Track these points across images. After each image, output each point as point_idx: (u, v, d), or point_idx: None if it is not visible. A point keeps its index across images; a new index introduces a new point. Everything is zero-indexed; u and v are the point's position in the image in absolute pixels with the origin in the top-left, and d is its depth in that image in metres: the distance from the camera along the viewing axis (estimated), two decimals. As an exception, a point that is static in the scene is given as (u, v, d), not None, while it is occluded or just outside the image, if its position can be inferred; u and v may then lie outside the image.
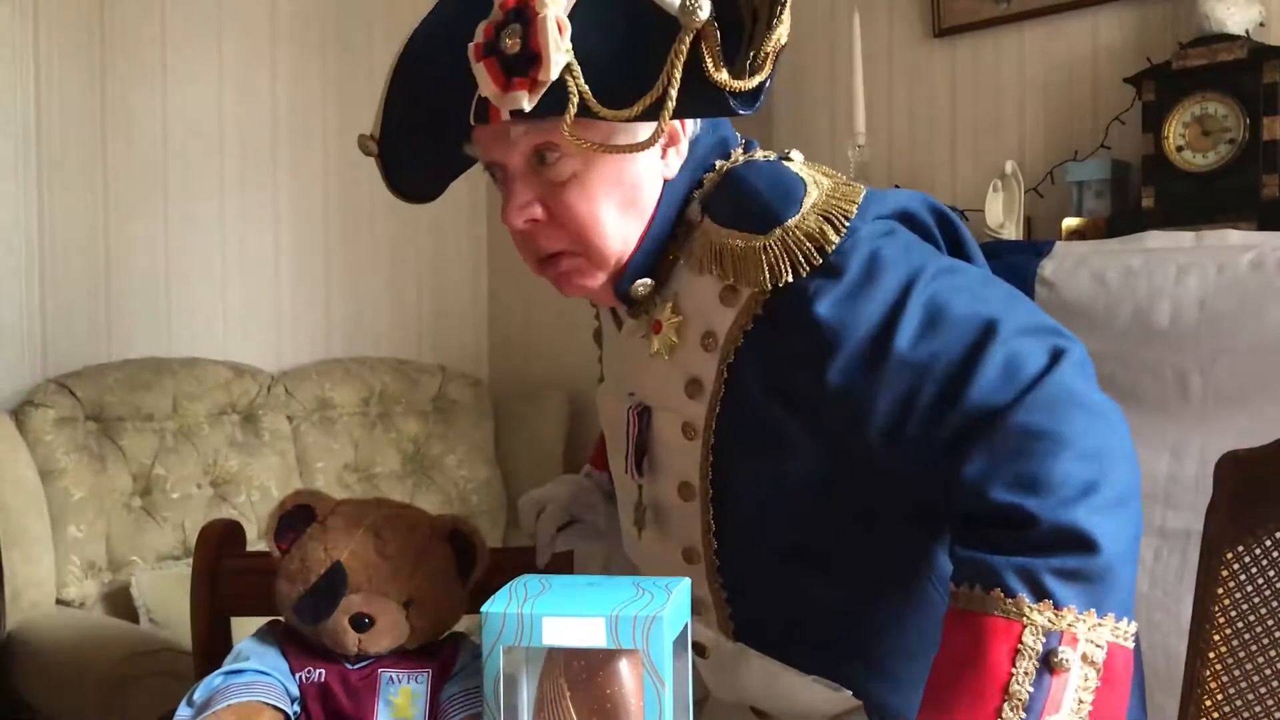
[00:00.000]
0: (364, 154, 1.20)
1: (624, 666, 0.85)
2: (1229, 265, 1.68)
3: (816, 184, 1.03)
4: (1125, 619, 0.89)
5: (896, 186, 2.46)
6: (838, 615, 1.09)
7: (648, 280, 1.09)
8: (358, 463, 2.90)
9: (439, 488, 2.95)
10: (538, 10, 0.96)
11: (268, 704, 1.18)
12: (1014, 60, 2.40)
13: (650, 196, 1.07)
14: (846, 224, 0.99)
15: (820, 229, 0.99)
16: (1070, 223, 2.08)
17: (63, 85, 2.67)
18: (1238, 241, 1.73)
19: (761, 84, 0.94)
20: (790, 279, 0.99)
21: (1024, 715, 0.86)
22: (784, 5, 0.93)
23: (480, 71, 1.00)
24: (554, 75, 0.96)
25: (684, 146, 1.08)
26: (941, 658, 0.92)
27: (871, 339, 0.97)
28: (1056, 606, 0.87)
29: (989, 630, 0.88)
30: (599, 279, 1.09)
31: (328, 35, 3.09)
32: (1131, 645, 0.90)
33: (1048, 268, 1.86)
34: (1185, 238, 1.79)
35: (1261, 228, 1.81)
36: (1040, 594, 0.88)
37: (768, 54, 0.93)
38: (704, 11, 0.91)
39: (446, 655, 1.28)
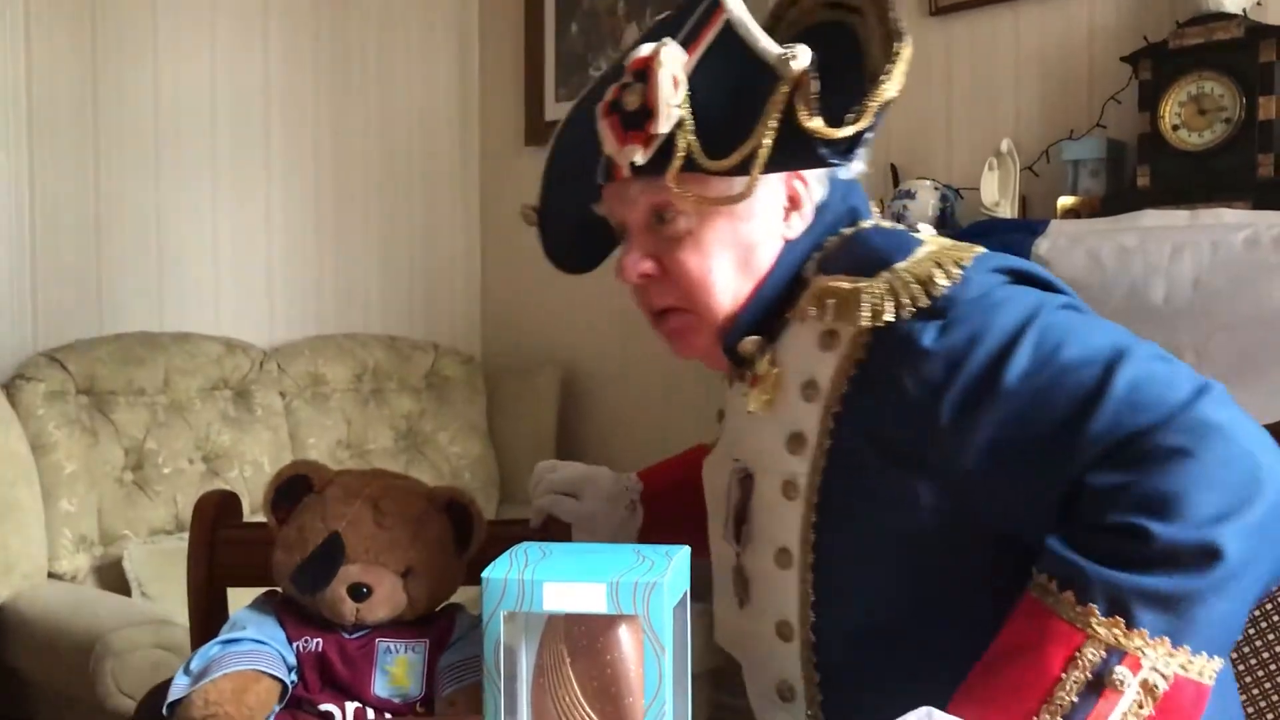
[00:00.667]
0: (526, 224, 1.25)
1: (624, 633, 0.86)
2: (1224, 243, 1.68)
3: (933, 244, 1.02)
4: (1206, 654, 0.85)
5: (893, 165, 2.46)
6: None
7: (756, 338, 1.07)
8: (350, 439, 2.90)
9: (432, 464, 2.95)
10: (655, 68, 0.99)
11: (265, 673, 1.19)
12: (1010, 38, 2.39)
13: (766, 257, 1.07)
14: (959, 270, 0.97)
15: (929, 273, 0.97)
16: (1065, 201, 2.08)
17: (54, 60, 2.65)
18: (1232, 220, 1.73)
19: (858, 134, 0.94)
20: (891, 318, 0.97)
21: None
22: (895, 63, 0.94)
23: (604, 129, 1.04)
24: (665, 129, 0.99)
25: (808, 210, 1.08)
26: (1000, 641, 0.90)
27: (987, 372, 0.93)
28: (1129, 627, 0.85)
29: (1051, 631, 0.87)
30: (707, 337, 1.09)
31: (321, 11, 3.07)
32: (1208, 683, 0.86)
33: (1043, 246, 1.87)
34: (1180, 216, 1.79)
35: (1256, 207, 1.81)
36: (1116, 610, 0.85)
37: (868, 107, 0.94)
38: (798, 62, 0.92)
39: (443, 626, 1.28)
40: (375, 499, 1.27)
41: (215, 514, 1.38)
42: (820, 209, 1.08)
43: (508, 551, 0.89)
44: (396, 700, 1.23)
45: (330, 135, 3.09)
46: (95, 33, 2.71)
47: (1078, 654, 0.85)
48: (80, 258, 2.71)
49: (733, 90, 0.99)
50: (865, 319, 0.98)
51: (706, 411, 2.84)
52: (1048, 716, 0.85)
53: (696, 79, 1.00)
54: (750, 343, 1.07)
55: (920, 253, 1.00)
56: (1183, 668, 0.85)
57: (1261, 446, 0.88)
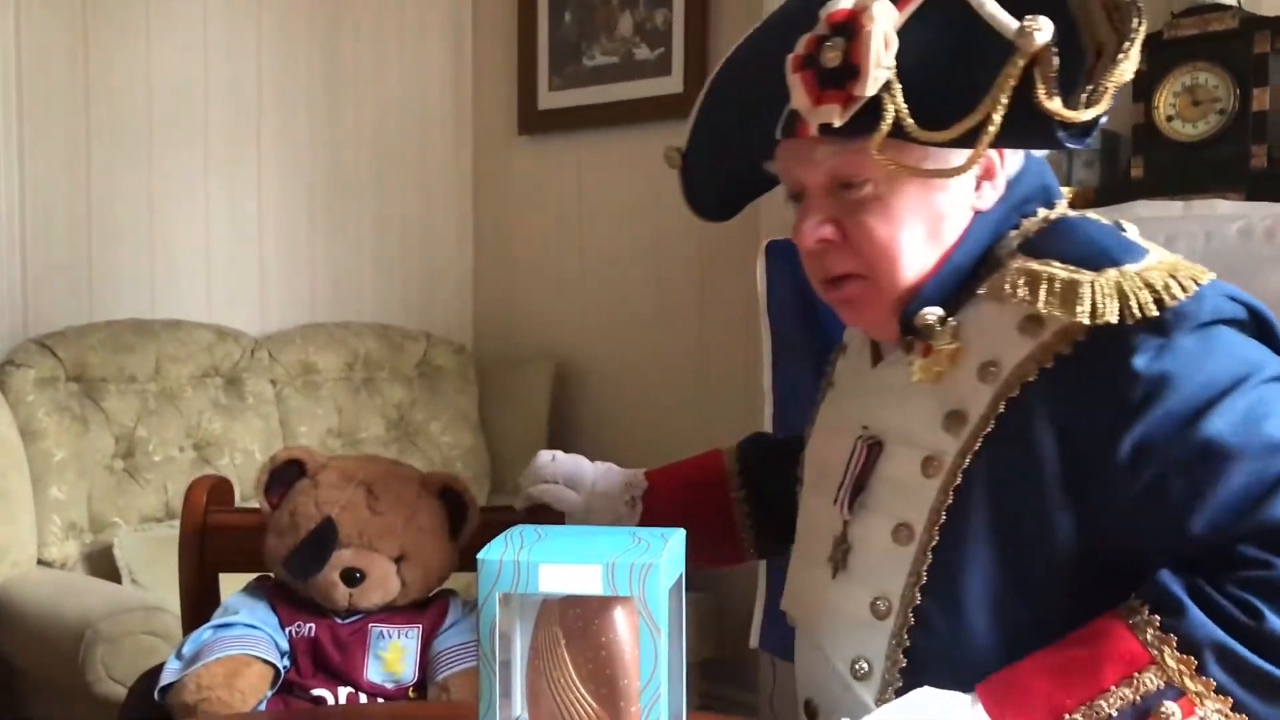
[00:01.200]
0: (669, 166, 1.18)
1: (619, 615, 0.85)
2: (1217, 234, 1.68)
3: (1160, 252, 0.97)
4: None
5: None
6: None
7: (938, 309, 1.01)
8: (341, 428, 2.89)
9: (423, 454, 2.94)
10: (864, 24, 0.92)
11: (257, 657, 1.19)
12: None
13: (954, 227, 1.02)
14: (1196, 286, 0.92)
15: (1165, 283, 0.92)
16: (1059, 192, 2.08)
17: (45, 45, 2.63)
18: (1226, 211, 1.73)
19: (1096, 118, 0.88)
20: (1114, 320, 0.91)
21: None
22: (1133, 41, 0.87)
23: (795, 83, 0.97)
24: (871, 91, 0.92)
25: (1000, 182, 1.02)
26: (1070, 637, 0.91)
27: (1186, 414, 0.90)
28: (1198, 672, 0.85)
29: (1121, 645, 0.88)
30: (883, 307, 1.03)
31: (313, -2, 3.05)
32: None
33: (1037, 236, 1.86)
34: (1174, 207, 1.79)
35: (1250, 198, 1.81)
36: (1192, 652, 0.85)
37: (1107, 88, 0.88)
38: (1043, 35, 0.86)
39: (437, 611, 1.28)
40: (368, 484, 1.26)
41: (207, 499, 1.38)
42: (1012, 183, 1.03)
43: (503, 534, 0.89)
44: (389, 685, 1.23)
45: (323, 123, 3.08)
46: (86, 18, 2.68)
47: (1136, 675, 0.86)
48: (71, 244, 2.69)
49: (951, 54, 0.91)
50: (1084, 314, 0.91)
51: (698, 401, 2.85)
52: (1080, 717, 0.86)
53: (906, 37, 0.92)
54: (931, 314, 1.00)
55: (1150, 259, 0.95)
56: None
57: None
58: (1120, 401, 0.92)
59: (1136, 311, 0.91)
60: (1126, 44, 0.87)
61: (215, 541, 1.37)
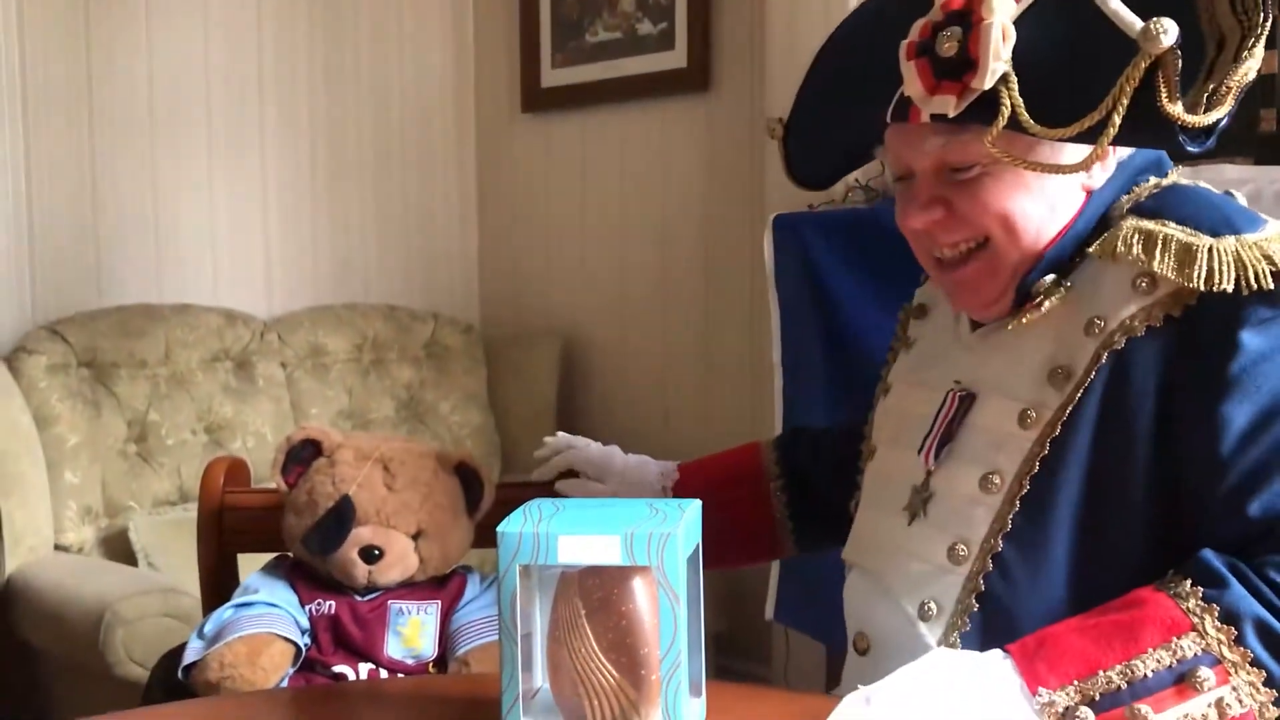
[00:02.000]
0: (770, 137, 1.19)
1: (639, 585, 0.86)
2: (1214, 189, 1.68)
3: (1278, 225, 0.97)
4: None
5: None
6: None
7: (1053, 275, 1.01)
8: (352, 409, 2.90)
9: (433, 434, 2.95)
10: (983, 16, 0.92)
11: (278, 635, 1.20)
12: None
13: (1066, 207, 1.02)
14: None
15: None
16: (1066, 160, 2.07)
17: (48, 33, 2.62)
18: (1234, 175, 1.73)
19: (1218, 121, 0.88)
20: (1229, 289, 0.90)
21: (1124, 686, 0.86)
22: (1259, 37, 0.86)
23: (909, 71, 0.97)
24: (988, 84, 0.92)
25: (1112, 162, 1.02)
26: (1112, 603, 0.92)
27: (1275, 397, 0.91)
28: (1237, 643, 0.86)
29: (1162, 612, 0.88)
30: (1002, 279, 1.03)
31: (314, -22, 3.04)
32: None
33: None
34: (1181, 172, 1.79)
35: (1258, 162, 1.81)
36: (1233, 624, 0.87)
37: (1230, 88, 0.87)
38: (1168, 37, 0.84)
39: (455, 587, 1.29)
40: (385, 462, 1.27)
41: (224, 480, 1.39)
42: (1124, 162, 1.03)
43: (521, 507, 0.89)
44: (409, 661, 1.24)
45: (325, 105, 3.07)
46: (88, 5, 2.68)
47: (1175, 640, 0.87)
48: (77, 231, 2.70)
49: (1069, 47, 0.92)
50: (1200, 279, 0.91)
51: (704, 377, 2.86)
52: (1115, 676, 0.86)
53: (1023, 27, 0.92)
54: (1050, 279, 1.01)
55: (1271, 229, 0.94)
56: (1261, 708, 0.86)
57: None
58: (1221, 371, 0.92)
59: (1253, 282, 0.90)
60: (1251, 39, 0.86)
61: (233, 522, 1.38)
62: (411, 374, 3.01)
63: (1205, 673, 0.85)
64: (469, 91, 3.33)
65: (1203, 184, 1.06)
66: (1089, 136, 0.89)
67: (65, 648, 2.15)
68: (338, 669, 1.23)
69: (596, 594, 0.86)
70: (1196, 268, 0.91)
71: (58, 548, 2.35)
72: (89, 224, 2.71)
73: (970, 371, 1.08)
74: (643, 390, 3.01)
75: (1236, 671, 0.86)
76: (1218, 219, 0.94)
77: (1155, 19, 0.85)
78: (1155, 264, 0.93)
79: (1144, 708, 0.85)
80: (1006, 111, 0.92)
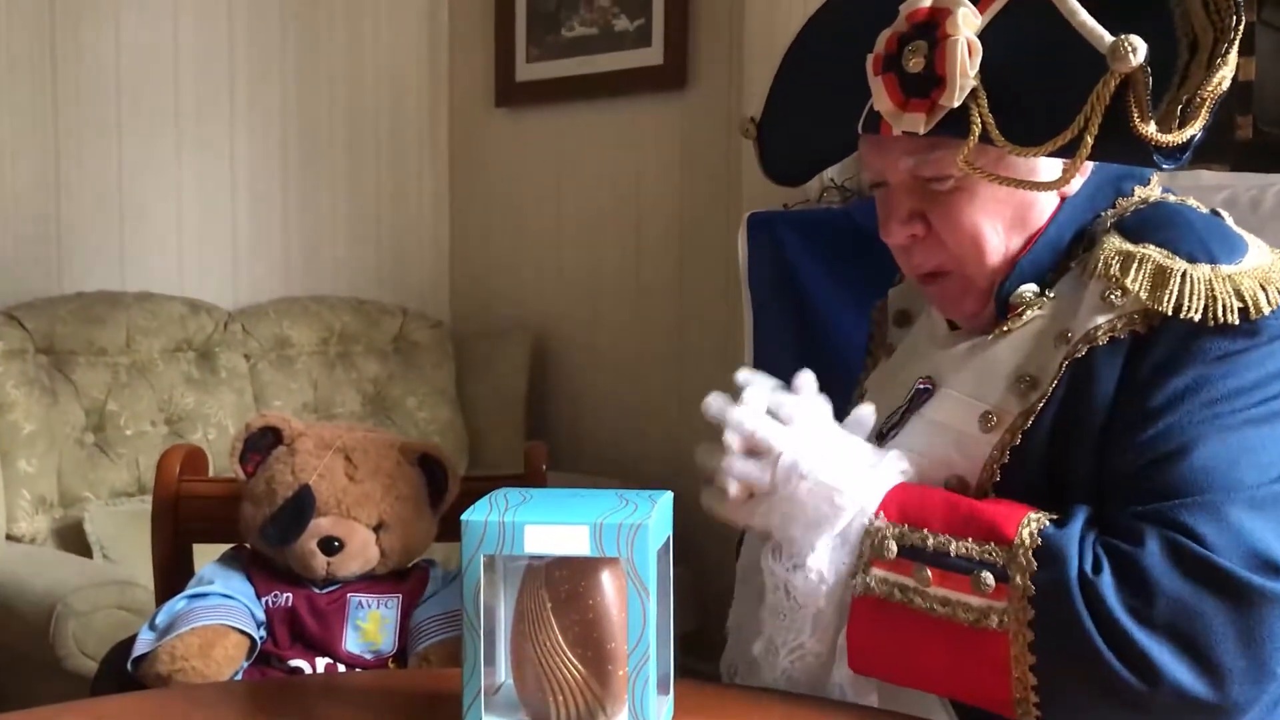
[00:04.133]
0: (743, 136, 1.18)
1: (606, 578, 0.84)
2: (1201, 206, 1.68)
3: (1259, 249, 0.97)
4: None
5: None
6: None
7: (1034, 286, 1.02)
8: (317, 402, 2.86)
9: (399, 429, 2.91)
10: (948, 32, 0.91)
11: (233, 628, 1.16)
12: None
13: (1041, 213, 1.02)
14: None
15: (1254, 294, 0.92)
16: (1042, 164, 2.07)
17: (10, 12, 2.57)
18: (1210, 182, 1.73)
19: (1192, 138, 0.86)
20: (1195, 319, 0.91)
21: (928, 549, 0.93)
22: (1231, 42, 0.84)
23: (878, 86, 0.97)
24: (956, 102, 0.92)
25: (1088, 166, 1.00)
26: (1001, 500, 0.96)
27: (1209, 407, 0.91)
28: (1029, 577, 0.89)
29: (1006, 520, 0.92)
30: (976, 299, 1.04)
31: (287, -37, 3.00)
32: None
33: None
34: (1161, 179, 1.79)
35: (1235, 169, 1.81)
36: (1040, 559, 0.89)
37: (1204, 100, 0.86)
38: (1136, 56, 0.83)
39: (417, 580, 1.26)
40: (347, 452, 1.24)
41: (180, 468, 1.35)
42: (1100, 166, 1.02)
43: (487, 495, 0.87)
44: (368, 656, 1.21)
45: (296, 93, 3.03)
46: (53, -14, 2.63)
47: (992, 544, 0.91)
48: (39, 215, 2.64)
49: (1036, 60, 0.91)
50: (1169, 304, 0.91)
51: (676, 375, 2.84)
52: (930, 539, 0.92)
53: (989, 39, 0.92)
54: (1029, 290, 1.02)
55: (1248, 261, 0.94)
56: (1014, 637, 0.88)
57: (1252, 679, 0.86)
58: (1170, 389, 0.92)
59: (1220, 316, 0.91)
60: (1224, 43, 0.84)
61: (189, 511, 1.34)
62: (378, 368, 2.97)
63: (990, 580, 0.89)
64: (443, 84, 3.30)
65: (1191, 201, 1.05)
66: (1062, 153, 0.90)
67: (14, 639, 2.10)
68: (294, 663, 1.20)
69: (563, 586, 0.84)
70: (1168, 292, 0.92)
71: (9, 538, 2.29)
72: (51, 208, 2.66)
73: (939, 368, 1.08)
74: (613, 388, 2.99)
75: (1014, 599, 0.88)
76: (1196, 245, 0.94)
77: (1124, 36, 0.84)
78: (1129, 281, 0.94)
79: (928, 572, 0.92)
80: (977, 130, 0.91)
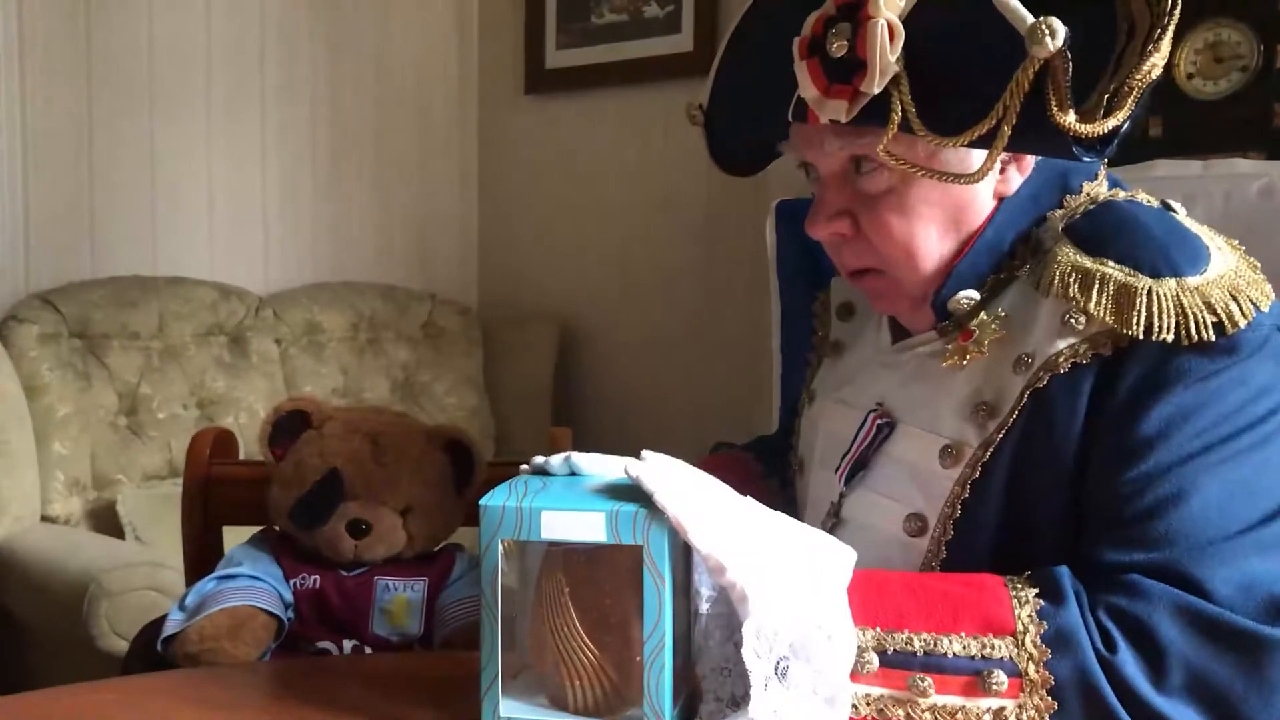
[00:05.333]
0: (690, 123, 1.14)
1: (624, 565, 0.84)
2: (1237, 193, 1.66)
3: (1220, 251, 0.91)
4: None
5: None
6: None
7: (973, 294, 0.97)
8: (346, 388, 2.88)
9: (428, 415, 2.93)
10: (870, 14, 0.87)
11: (261, 609, 1.17)
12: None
13: (977, 215, 0.97)
14: (1254, 313, 0.87)
15: (1226, 306, 0.86)
16: (1075, 152, 2.05)
17: (45, 0, 2.59)
18: (1247, 170, 1.70)
19: (1115, 130, 0.81)
20: (1169, 339, 0.86)
21: (920, 653, 0.83)
22: (1165, 28, 0.80)
23: (802, 71, 0.92)
24: (877, 89, 0.87)
25: (1028, 164, 0.97)
26: (960, 576, 0.88)
27: (1192, 444, 0.86)
28: (1045, 666, 0.82)
29: (995, 607, 0.84)
30: (908, 299, 1.01)
31: (318, -50, 3.01)
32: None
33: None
34: (1193, 167, 1.77)
35: (1272, 157, 1.79)
36: (1058, 648, 0.82)
37: (1131, 89, 0.80)
38: (1054, 41, 0.78)
39: (443, 565, 1.27)
40: (374, 436, 1.25)
41: (211, 451, 1.36)
42: (1043, 163, 0.97)
43: (507, 481, 0.87)
44: (394, 639, 1.22)
45: (327, 80, 3.05)
46: (88, -28, 2.66)
47: (992, 638, 0.83)
48: (73, 200, 2.67)
49: (958, 43, 0.86)
50: (1137, 325, 0.86)
51: (702, 363, 2.83)
52: (917, 640, 0.83)
53: (914, 23, 0.87)
54: (966, 298, 0.97)
55: (1213, 270, 0.88)
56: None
57: None
58: (1154, 418, 0.87)
59: (1194, 334, 0.86)
60: (1159, 29, 0.80)
61: (219, 494, 1.36)
62: (407, 354, 2.98)
63: (1001, 679, 0.81)
64: (472, 72, 3.30)
65: (1141, 196, 1.00)
66: (981, 143, 0.84)
67: (48, 619, 2.13)
68: (321, 645, 1.21)
69: (581, 571, 0.84)
70: (1135, 313, 0.86)
71: (44, 519, 2.33)
72: (85, 193, 2.69)
73: (895, 395, 1.03)
74: (640, 375, 2.99)
75: (1031, 692, 0.81)
76: (1158, 256, 0.89)
77: (1042, 19, 0.79)
78: (1092, 306, 0.88)
79: (928, 681, 0.82)
80: (897, 117, 0.87)
